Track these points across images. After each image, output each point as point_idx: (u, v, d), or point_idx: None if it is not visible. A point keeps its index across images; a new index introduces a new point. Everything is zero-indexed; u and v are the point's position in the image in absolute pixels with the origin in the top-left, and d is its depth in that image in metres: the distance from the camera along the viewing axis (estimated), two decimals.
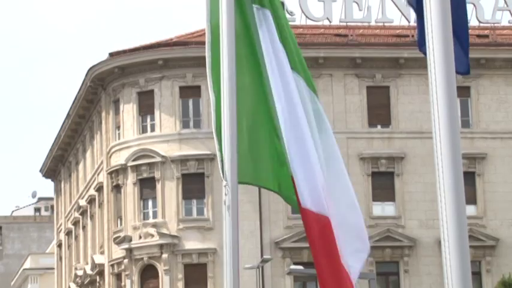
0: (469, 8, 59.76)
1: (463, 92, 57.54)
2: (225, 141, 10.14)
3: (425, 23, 5.95)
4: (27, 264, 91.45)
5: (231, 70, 10.52)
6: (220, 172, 10.01)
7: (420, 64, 50.99)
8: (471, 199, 57.22)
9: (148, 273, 61.21)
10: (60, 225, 78.63)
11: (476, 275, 58.13)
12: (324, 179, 10.89)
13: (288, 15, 60.20)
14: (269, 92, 11.08)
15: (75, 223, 72.50)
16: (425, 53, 5.99)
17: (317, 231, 10.74)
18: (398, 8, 59.18)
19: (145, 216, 61.44)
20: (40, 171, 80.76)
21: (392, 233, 60.22)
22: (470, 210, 56.59)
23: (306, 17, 60.23)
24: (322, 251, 10.75)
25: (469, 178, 56.61)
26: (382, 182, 60.85)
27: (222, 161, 10.26)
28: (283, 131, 10.84)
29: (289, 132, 10.90)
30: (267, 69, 11.13)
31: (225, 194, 10.11)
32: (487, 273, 59.15)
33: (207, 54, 10.72)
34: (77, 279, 70.35)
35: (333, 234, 10.73)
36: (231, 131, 10.17)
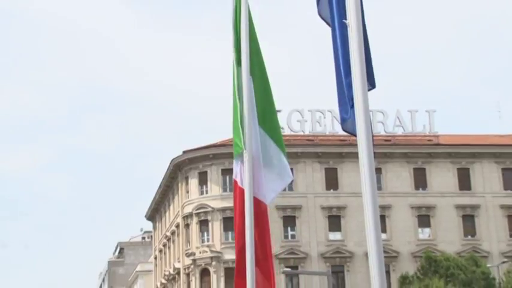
0: (380, 124, 60.00)
1: (377, 170, 57.41)
2: (246, 121, 9.34)
3: (357, 135, 5.97)
4: (138, 268, 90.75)
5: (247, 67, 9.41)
6: (242, 143, 9.11)
7: (354, 155, 50.94)
8: (383, 230, 56.88)
9: (204, 272, 60.57)
10: (156, 246, 78.23)
11: (387, 273, 57.42)
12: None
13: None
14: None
15: (164, 245, 72.14)
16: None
17: (257, 214, 9.20)
18: None
19: (203, 241, 61.06)
20: (145, 216, 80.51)
21: (340, 249, 59.50)
22: (383, 236, 56.23)
23: (290, 129, 60.35)
24: (256, 229, 9.27)
25: (382, 218, 56.23)
26: (334, 220, 60.27)
27: (239, 134, 9.22)
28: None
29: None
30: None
31: (244, 157, 9.18)
32: (392, 272, 58.46)
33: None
34: (165, 276, 69.82)
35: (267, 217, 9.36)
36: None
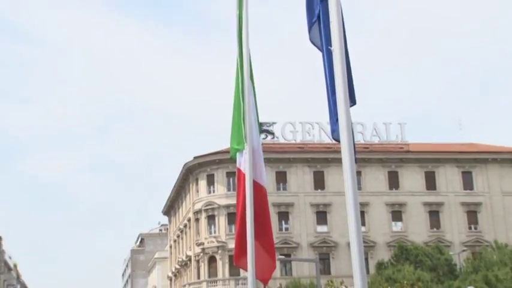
0: (360, 134, 60.00)
1: (358, 173, 57.26)
2: (247, 118, 9.25)
3: (341, 142, 5.94)
4: (156, 255, 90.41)
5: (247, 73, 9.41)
6: (243, 138, 9.01)
7: (339, 160, 50.88)
8: (362, 223, 56.81)
9: (212, 259, 60.40)
10: (171, 237, 78.00)
11: (366, 260, 57.27)
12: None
13: (275, 138, 60.24)
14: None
15: (178, 236, 71.95)
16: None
17: (258, 198, 9.11)
18: (327, 135, 59.05)
19: (210, 233, 60.94)
20: (162, 212, 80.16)
21: (326, 240, 59.34)
22: (362, 228, 55.95)
23: (284, 138, 60.26)
24: (259, 211, 9.08)
25: (362, 214, 55.36)
26: (321, 215, 60.08)
27: (241, 130, 9.11)
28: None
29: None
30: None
31: (244, 150, 9.08)
32: (370, 259, 58.32)
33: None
34: (179, 262, 69.65)
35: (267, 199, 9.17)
36: (249, 113, 9.30)
